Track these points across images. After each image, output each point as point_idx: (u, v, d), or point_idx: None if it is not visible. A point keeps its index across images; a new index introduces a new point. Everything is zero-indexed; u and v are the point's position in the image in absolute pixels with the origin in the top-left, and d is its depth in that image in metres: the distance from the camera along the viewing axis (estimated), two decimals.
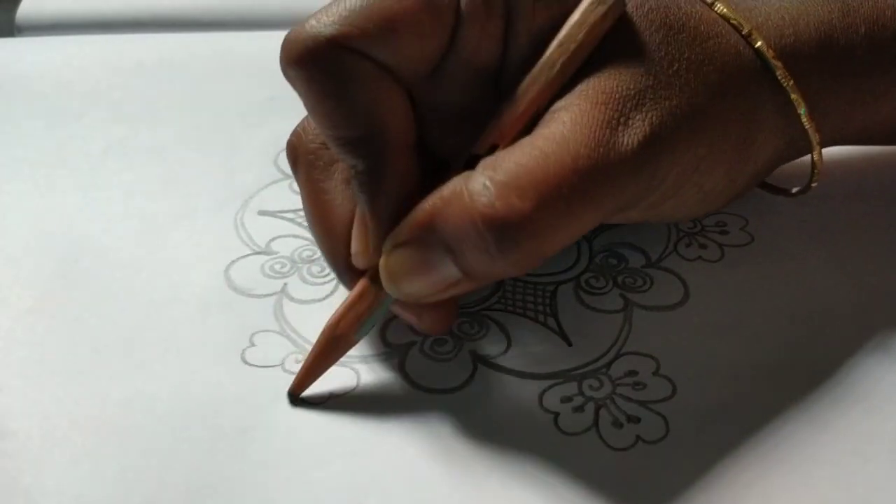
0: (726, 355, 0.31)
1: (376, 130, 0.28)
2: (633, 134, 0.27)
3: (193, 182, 0.39)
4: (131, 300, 0.33)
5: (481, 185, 0.25)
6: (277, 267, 0.35)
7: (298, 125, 0.32)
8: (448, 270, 0.26)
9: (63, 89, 0.45)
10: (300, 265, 0.35)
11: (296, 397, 0.30)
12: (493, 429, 0.29)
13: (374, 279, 0.28)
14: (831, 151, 0.37)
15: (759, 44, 0.30)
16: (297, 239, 0.36)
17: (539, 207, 0.25)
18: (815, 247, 0.35)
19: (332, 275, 0.34)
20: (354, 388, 0.30)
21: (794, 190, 0.34)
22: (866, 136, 0.36)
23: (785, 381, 0.30)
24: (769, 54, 0.30)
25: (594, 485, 0.27)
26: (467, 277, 0.27)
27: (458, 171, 0.27)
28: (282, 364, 0.31)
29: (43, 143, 0.41)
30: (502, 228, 0.25)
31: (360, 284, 0.29)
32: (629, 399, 0.30)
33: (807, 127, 0.31)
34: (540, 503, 0.27)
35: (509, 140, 0.28)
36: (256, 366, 0.31)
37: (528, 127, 0.28)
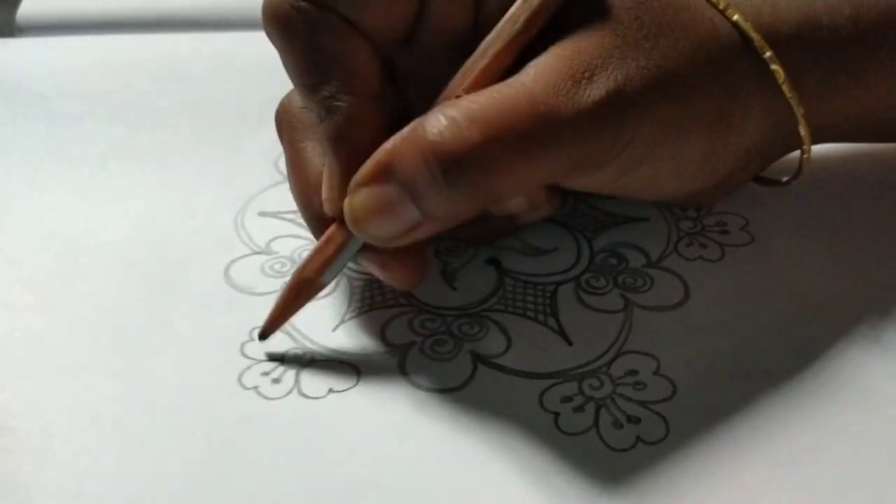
0: (726, 355, 0.31)
1: (341, 79, 0.29)
2: (595, 88, 0.27)
3: (193, 183, 0.39)
4: (131, 298, 0.33)
5: (434, 119, 0.27)
6: (278, 266, 0.35)
7: (284, 96, 0.33)
8: (408, 210, 0.27)
9: (63, 90, 0.45)
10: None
11: (264, 337, 0.31)
12: (493, 429, 0.29)
13: (342, 225, 0.29)
14: (830, 151, 0.37)
15: (735, 17, 0.31)
16: (298, 239, 0.36)
17: (488, 139, 0.26)
18: (816, 247, 0.35)
19: None
20: (354, 387, 0.30)
21: (785, 179, 0.34)
22: (856, 127, 0.35)
23: (785, 381, 0.30)
24: (746, 25, 0.31)
25: (594, 485, 0.27)
26: (426, 217, 0.27)
27: None
28: (281, 359, 0.31)
29: (43, 143, 0.41)
30: (450, 158, 0.26)
31: (329, 230, 0.30)
32: (629, 399, 0.30)
33: (788, 97, 0.31)
34: (540, 503, 0.27)
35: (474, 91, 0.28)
36: (256, 360, 0.31)
37: (494, 82, 0.28)
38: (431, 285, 0.34)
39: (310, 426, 0.29)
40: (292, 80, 0.30)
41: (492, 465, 0.28)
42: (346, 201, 0.28)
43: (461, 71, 0.29)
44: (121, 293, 0.33)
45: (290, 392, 0.30)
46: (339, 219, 0.29)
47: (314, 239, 0.32)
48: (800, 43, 0.32)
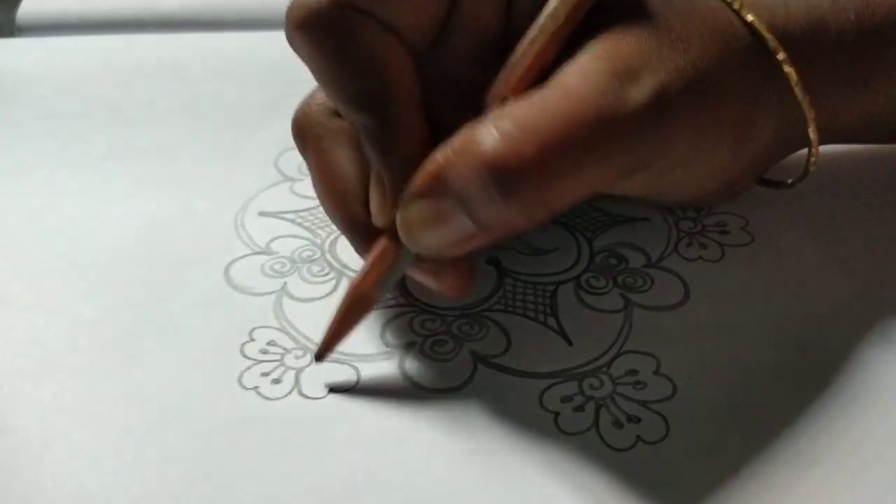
0: (727, 355, 0.31)
1: (383, 84, 0.28)
2: (641, 89, 0.27)
3: (194, 183, 0.39)
4: (130, 298, 0.33)
5: (487, 132, 0.25)
6: (277, 267, 0.35)
7: (303, 102, 0.32)
8: (462, 221, 0.26)
9: (63, 90, 0.45)
10: (300, 265, 0.35)
11: (321, 358, 0.30)
12: (493, 429, 0.29)
13: (393, 237, 0.28)
14: (830, 151, 0.37)
15: (750, 17, 0.30)
16: (297, 239, 0.36)
17: (543, 153, 0.25)
18: (816, 247, 0.35)
19: (332, 274, 0.34)
20: (354, 388, 0.30)
21: (790, 180, 0.34)
22: (860, 129, 0.36)
23: (785, 380, 0.30)
24: (761, 27, 0.30)
25: (594, 485, 0.27)
26: (481, 229, 0.26)
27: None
28: (281, 359, 0.31)
29: (43, 143, 0.41)
30: (505, 173, 0.25)
31: (380, 243, 0.29)
32: (629, 399, 0.30)
33: (800, 99, 0.31)
34: (540, 503, 0.27)
35: (520, 91, 0.27)
36: (255, 360, 0.31)
37: (538, 80, 0.28)
38: None
39: (310, 427, 0.29)
40: (326, 90, 0.29)
41: (492, 465, 0.28)
42: (400, 213, 0.27)
43: (506, 68, 0.28)
44: (121, 293, 0.33)
45: (290, 392, 0.30)
46: (390, 231, 0.29)
47: (353, 248, 0.32)
48: (809, 46, 0.32)
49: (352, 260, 0.35)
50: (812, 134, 0.32)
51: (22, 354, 0.31)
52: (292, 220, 0.37)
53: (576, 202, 0.27)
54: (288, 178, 0.39)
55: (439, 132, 0.28)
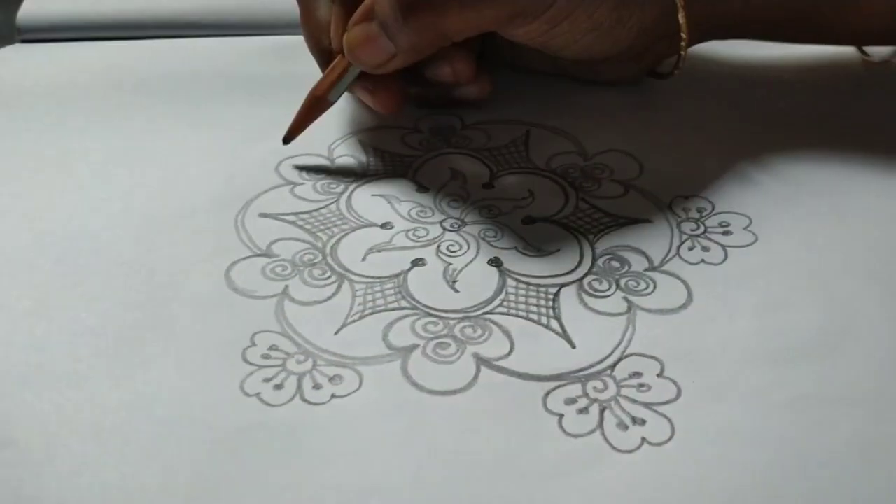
0: (730, 357, 0.31)
1: None
2: None
3: (193, 184, 0.39)
4: (131, 302, 0.33)
5: None
6: (279, 269, 0.35)
7: None
8: (384, 42, 0.37)
9: (64, 94, 0.44)
10: (301, 268, 0.35)
11: (288, 141, 0.40)
12: (496, 431, 0.29)
13: (344, 56, 0.38)
14: (834, 151, 0.37)
15: None
16: (299, 242, 0.36)
17: None
18: (819, 247, 0.35)
19: (334, 277, 0.34)
20: (357, 390, 0.30)
21: (672, 69, 0.42)
22: (734, 28, 0.42)
23: (789, 381, 0.30)
24: None
25: (599, 487, 0.27)
26: (397, 48, 0.37)
27: None
28: (283, 364, 0.31)
29: (43, 148, 0.41)
30: (405, 3, 0.35)
31: (335, 60, 0.39)
32: (634, 401, 0.30)
33: None
34: None
35: None
36: (257, 366, 0.31)
37: None
38: (433, 288, 0.34)
39: (312, 433, 0.29)
40: None
41: (496, 468, 0.28)
42: (345, 36, 0.38)
43: None
44: (121, 297, 0.33)
45: (292, 398, 0.30)
46: (340, 51, 0.38)
47: (321, 71, 0.40)
48: None
49: (353, 262, 0.35)
50: (681, 18, 0.40)
51: (22, 361, 0.31)
52: (293, 223, 0.37)
53: (471, 34, 0.37)
54: (289, 182, 0.39)
55: None
